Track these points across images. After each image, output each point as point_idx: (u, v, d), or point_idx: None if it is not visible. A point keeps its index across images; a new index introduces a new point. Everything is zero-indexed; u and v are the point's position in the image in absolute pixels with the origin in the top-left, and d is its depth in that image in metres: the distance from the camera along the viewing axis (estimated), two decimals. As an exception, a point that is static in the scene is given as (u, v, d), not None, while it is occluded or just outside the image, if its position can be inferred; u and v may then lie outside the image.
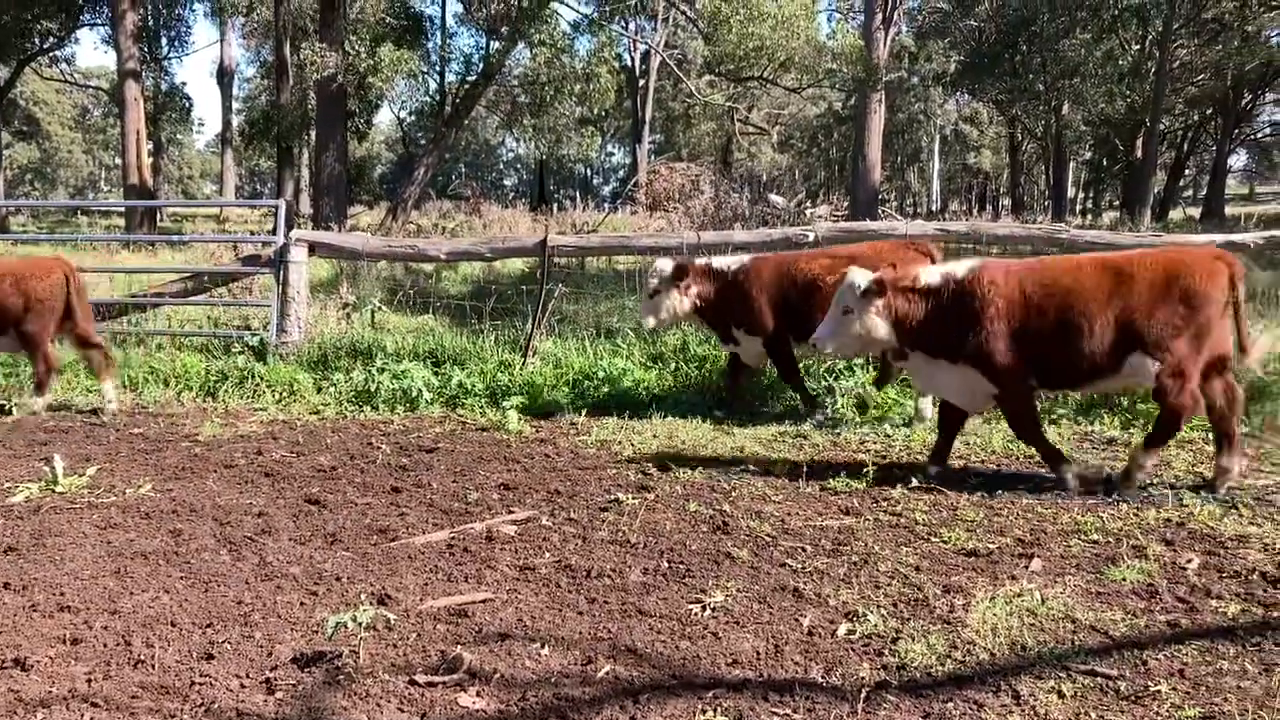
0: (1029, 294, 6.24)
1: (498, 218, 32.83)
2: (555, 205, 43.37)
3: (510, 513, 6.00)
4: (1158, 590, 4.63)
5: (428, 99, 37.24)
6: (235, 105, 58.17)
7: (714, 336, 9.16)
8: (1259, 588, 4.65)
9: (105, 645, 4.18)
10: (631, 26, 47.01)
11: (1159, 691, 3.67)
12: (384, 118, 60.83)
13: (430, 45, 34.74)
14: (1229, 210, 41.83)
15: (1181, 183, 55.76)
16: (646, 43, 50.13)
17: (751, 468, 6.93)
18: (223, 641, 4.18)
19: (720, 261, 8.91)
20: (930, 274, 6.58)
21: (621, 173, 74.70)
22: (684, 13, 34.13)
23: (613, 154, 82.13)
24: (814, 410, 8.48)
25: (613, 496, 6.26)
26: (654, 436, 7.93)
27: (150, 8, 47.21)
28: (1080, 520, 5.64)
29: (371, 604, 4.25)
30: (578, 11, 33.08)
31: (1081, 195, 61.91)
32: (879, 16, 33.22)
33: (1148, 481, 6.32)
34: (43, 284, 8.77)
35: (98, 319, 11.55)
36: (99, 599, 4.67)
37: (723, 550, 5.26)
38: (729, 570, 4.98)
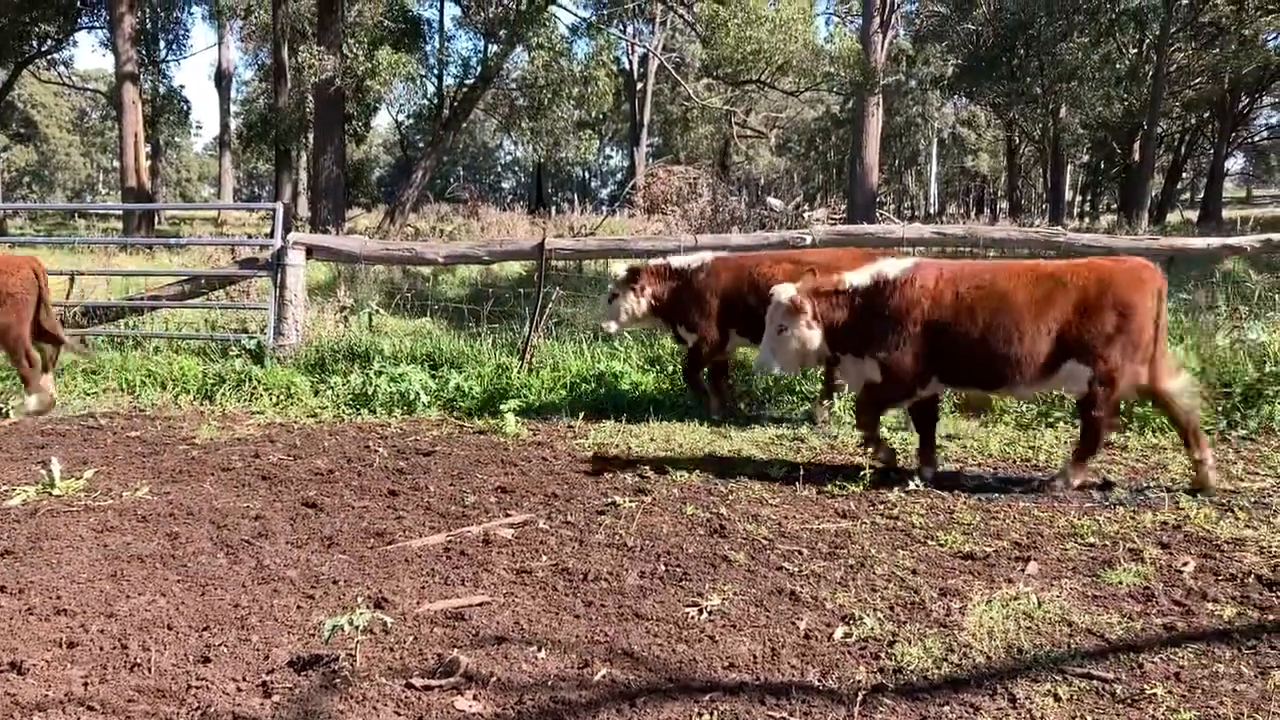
0: (961, 295, 6.33)
1: (495, 221, 32.85)
2: (553, 208, 43.42)
3: (507, 516, 6.00)
4: (1154, 593, 4.64)
5: (426, 102, 37.28)
6: (233, 108, 58.29)
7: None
8: (1255, 591, 4.66)
9: (102, 649, 4.17)
10: (629, 30, 47.14)
11: (1155, 695, 3.68)
12: (382, 121, 60.77)
13: (428, 48, 34.74)
14: (1226, 213, 41.86)
15: (1179, 186, 55.87)
16: (644, 46, 50.24)
17: (748, 471, 6.93)
18: (219, 645, 4.18)
19: (679, 261, 8.93)
20: (856, 276, 6.67)
21: (619, 176, 74.78)
22: (682, 16, 34.14)
23: (611, 157, 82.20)
24: (711, 405, 8.65)
25: (610, 500, 6.26)
26: (651, 439, 7.93)
27: (148, 11, 47.24)
28: (1077, 524, 5.65)
29: (368, 607, 4.25)
30: (576, 15, 33.22)
31: (1079, 198, 62.02)
32: (876, 20, 33.25)
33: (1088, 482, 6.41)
34: (13, 279, 8.84)
35: (96, 322, 11.60)
36: (96, 602, 4.67)
37: (720, 553, 5.26)
38: (726, 573, 4.99)
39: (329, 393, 9.50)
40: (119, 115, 33.47)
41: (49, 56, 48.46)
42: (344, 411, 9.12)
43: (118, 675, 3.95)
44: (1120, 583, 4.76)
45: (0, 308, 8.78)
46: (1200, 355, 8.70)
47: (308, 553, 5.37)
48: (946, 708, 3.64)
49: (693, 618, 4.45)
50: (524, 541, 5.53)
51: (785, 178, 65.99)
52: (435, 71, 35.43)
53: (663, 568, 5.09)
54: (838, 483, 6.48)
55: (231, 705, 3.70)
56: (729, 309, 8.52)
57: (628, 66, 54.59)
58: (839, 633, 4.27)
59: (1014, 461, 7.16)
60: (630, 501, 6.18)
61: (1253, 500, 6.08)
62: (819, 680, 3.86)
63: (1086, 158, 54.24)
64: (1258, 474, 6.70)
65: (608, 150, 77.76)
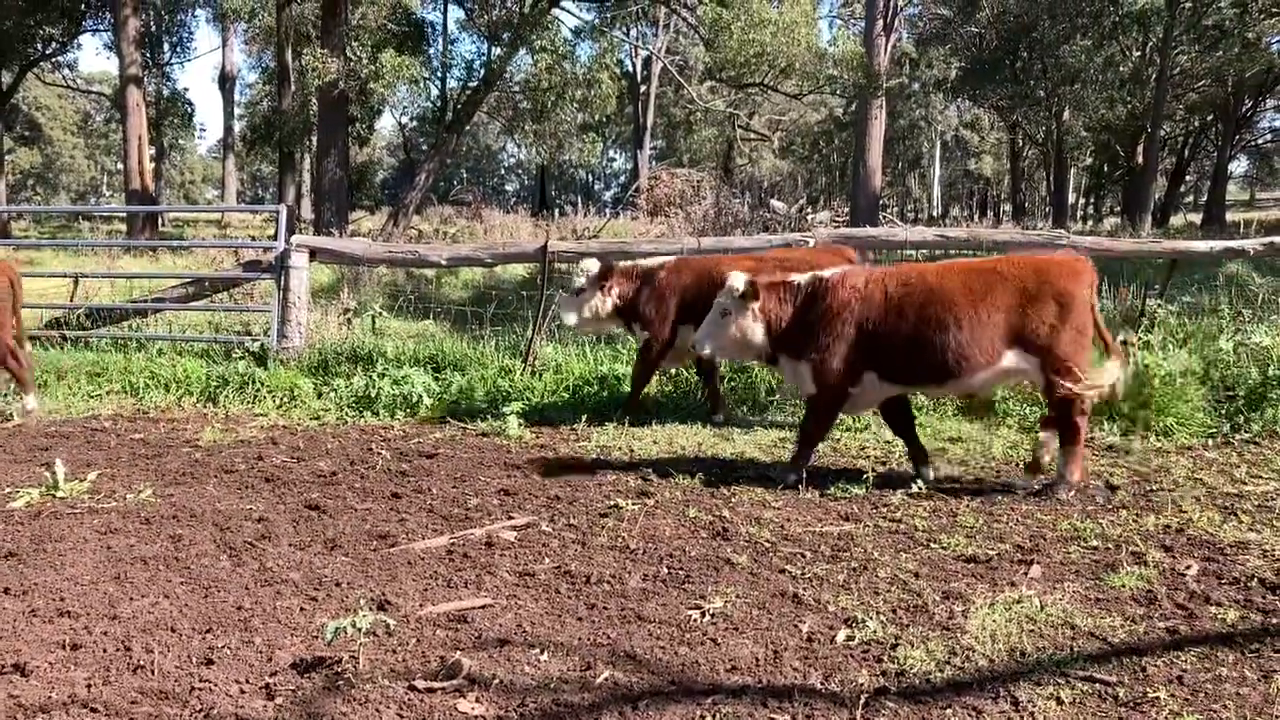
0: (891, 295, 6.38)
1: (499, 223, 32.86)
2: (556, 211, 43.45)
3: (510, 518, 6.00)
4: (1157, 597, 4.63)
5: (429, 105, 37.35)
6: (237, 111, 58.30)
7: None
8: (1258, 594, 4.65)
9: (105, 650, 4.18)
10: (633, 33, 47.12)
11: (1158, 698, 3.68)
12: (385, 123, 60.94)
13: (432, 51, 34.81)
14: (1230, 216, 41.91)
15: (1182, 188, 55.87)
16: (648, 49, 50.32)
17: (751, 474, 6.93)
18: (222, 647, 4.18)
19: (646, 262, 8.95)
20: (800, 277, 6.72)
21: (623, 178, 74.81)
22: (685, 19, 34.18)
23: (614, 160, 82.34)
24: (627, 415, 8.62)
25: (612, 502, 6.25)
26: (654, 442, 7.93)
27: (152, 14, 47.35)
28: (1080, 527, 5.65)
29: (371, 610, 4.25)
30: (579, 18, 33.15)
31: (1082, 201, 62.01)
32: (880, 23, 33.23)
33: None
34: None
35: (101, 324, 11.63)
36: (99, 604, 4.68)
37: (722, 556, 5.26)
38: (728, 576, 4.99)
39: (332, 395, 9.51)
40: (123, 118, 33.55)
41: (54, 59, 48.61)
42: (347, 414, 9.12)
43: (121, 677, 3.95)
44: (1123, 586, 4.76)
45: None
46: (1204, 358, 8.70)
47: (311, 555, 5.38)
48: (949, 710, 3.64)
49: (695, 620, 4.45)
50: (527, 544, 5.53)
51: (788, 180, 66.07)
52: (439, 74, 35.46)
53: (665, 570, 5.09)
54: (840, 485, 6.47)
55: (234, 707, 3.71)
56: (688, 308, 8.47)
57: (631, 69, 54.61)
58: (841, 635, 4.27)
59: (1017, 464, 7.15)
60: (633, 504, 6.19)
61: (1256, 504, 6.08)
62: (821, 683, 3.86)
63: (1090, 160, 54.21)
64: (1261, 477, 6.69)
65: (611, 153, 77.92)
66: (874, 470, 6.83)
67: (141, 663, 4.05)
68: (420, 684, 3.85)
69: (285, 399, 9.57)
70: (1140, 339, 8.67)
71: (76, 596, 4.77)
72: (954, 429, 8.08)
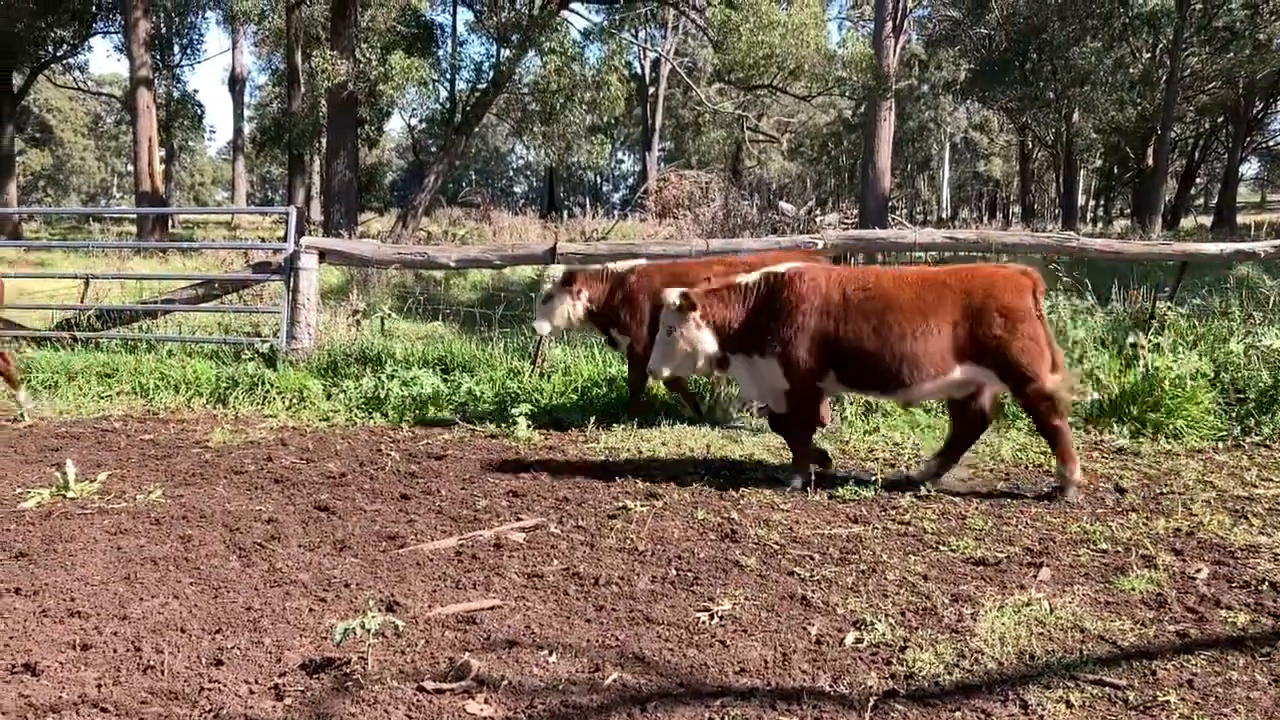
0: (850, 297, 6.42)
1: (508, 225, 32.95)
2: (565, 212, 43.52)
3: (519, 520, 6.00)
4: (1167, 600, 4.62)
5: (438, 107, 37.39)
6: (247, 113, 58.54)
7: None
8: (1269, 598, 4.63)
9: (115, 651, 4.19)
10: (642, 35, 47.08)
11: (1168, 702, 3.66)
12: (395, 125, 61.10)
13: (441, 53, 34.82)
14: (1240, 218, 41.76)
15: (1193, 191, 55.68)
16: (656, 51, 50.36)
17: (759, 476, 6.93)
18: (232, 648, 4.19)
19: (615, 266, 8.95)
20: (746, 276, 6.74)
21: (631, 180, 74.85)
22: (694, 21, 34.15)
23: (622, 161, 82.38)
24: (633, 416, 8.64)
25: (621, 504, 6.25)
26: (663, 444, 7.93)
27: (163, 16, 47.50)
28: (1089, 530, 5.63)
29: (380, 611, 4.25)
30: (588, 20, 33.26)
31: (1092, 203, 61.87)
32: (889, 24, 33.19)
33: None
34: None
35: (111, 325, 11.68)
36: (109, 604, 4.69)
37: (731, 558, 5.26)
38: (737, 578, 4.98)
39: (341, 396, 9.53)
40: (133, 119, 33.65)
41: (64, 61, 48.71)
42: (356, 415, 9.14)
43: (131, 677, 3.96)
44: (1133, 589, 4.75)
45: None
46: (1214, 361, 8.67)
47: (320, 556, 5.39)
48: (958, 713, 3.63)
49: (704, 622, 4.44)
50: (535, 545, 5.54)
51: (797, 182, 66.04)
52: (448, 76, 35.56)
53: (674, 572, 5.09)
54: (849, 488, 6.47)
55: (244, 708, 3.72)
56: (656, 312, 8.49)
57: (640, 71, 54.66)
58: (850, 638, 4.26)
59: (1026, 467, 7.14)
60: (641, 506, 6.19)
61: (1267, 507, 6.06)
62: (830, 685, 3.85)
63: (1099, 162, 54.08)
64: (1272, 480, 6.67)
65: (619, 155, 77.95)
66: (882, 473, 6.82)
67: (151, 663, 4.06)
68: (429, 685, 3.86)
69: (294, 400, 9.60)
70: (1150, 341, 8.64)
71: (87, 597, 4.79)
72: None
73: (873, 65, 29.44)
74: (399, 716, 3.66)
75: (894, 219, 36.03)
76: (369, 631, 4.00)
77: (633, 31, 39.18)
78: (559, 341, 10.64)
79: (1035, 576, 4.95)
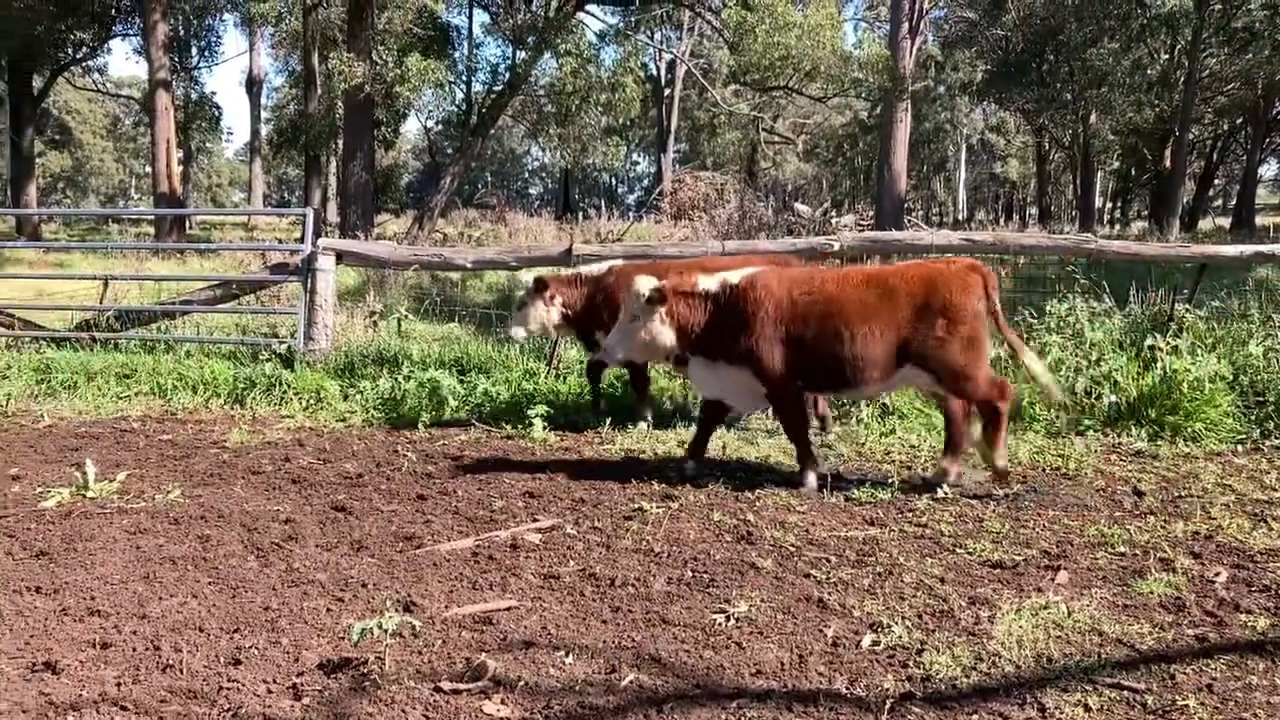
0: (797, 300, 6.50)
1: (523, 226, 32.99)
2: (580, 214, 43.57)
3: (535, 521, 6.01)
4: (1185, 604, 4.60)
5: (454, 108, 37.41)
6: (264, 114, 58.80)
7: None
8: (1289, 602, 4.60)
9: (134, 649, 4.22)
10: (657, 36, 47.13)
11: (1187, 706, 3.65)
12: (411, 127, 61.14)
13: (457, 55, 34.85)
14: (1259, 220, 41.54)
15: (1211, 192, 55.34)
16: (672, 52, 50.36)
17: (775, 478, 6.92)
18: (250, 647, 4.22)
19: (589, 269, 8.96)
20: (709, 280, 6.83)
21: (646, 182, 74.88)
22: (709, 23, 34.15)
23: (638, 163, 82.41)
24: (642, 414, 8.73)
25: (637, 505, 6.26)
26: (679, 445, 7.92)
27: (181, 18, 47.77)
28: (1107, 533, 5.61)
29: (397, 611, 4.27)
30: (604, 22, 33.20)
31: (1109, 205, 61.57)
32: (905, 26, 33.12)
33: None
34: None
35: (130, 326, 11.75)
36: (128, 603, 4.72)
37: (747, 560, 5.26)
38: (753, 580, 4.98)
39: (358, 397, 9.57)
40: (151, 121, 33.85)
41: (84, 64, 49.06)
42: (373, 416, 9.17)
43: (150, 676, 3.99)
44: (1151, 592, 4.73)
45: None
46: (1233, 363, 8.62)
47: (337, 556, 5.41)
48: (975, 717, 3.62)
49: (720, 624, 4.44)
50: (551, 546, 5.54)
51: (813, 184, 65.95)
52: (464, 78, 35.56)
53: (690, 574, 5.09)
54: (865, 490, 6.46)
55: (262, 707, 3.74)
56: None
57: (655, 73, 54.66)
58: (867, 640, 4.25)
59: (1043, 469, 7.11)
60: (657, 507, 6.19)
61: (1287, 510, 6.01)
62: (847, 688, 3.85)
63: (1117, 164, 53.79)
64: (1292, 484, 6.63)
65: (635, 156, 77.98)
66: (899, 475, 6.81)
67: (170, 662, 4.08)
68: (446, 685, 3.87)
69: (312, 401, 9.63)
70: (1169, 344, 8.60)
71: (106, 596, 4.82)
72: (979, 433, 8.03)
73: (889, 66, 29.38)
74: (416, 716, 3.68)
75: (910, 221, 35.92)
76: (386, 632, 4.02)
77: (648, 33, 39.23)
78: (573, 343, 10.63)
79: (1053, 579, 4.93)
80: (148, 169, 47.03)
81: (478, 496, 6.56)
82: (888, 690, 3.81)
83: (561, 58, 29.45)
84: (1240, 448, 7.62)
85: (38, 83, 42.75)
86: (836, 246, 10.32)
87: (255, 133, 57.44)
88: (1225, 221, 46.59)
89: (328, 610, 4.64)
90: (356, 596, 4.81)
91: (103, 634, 4.36)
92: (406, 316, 11.43)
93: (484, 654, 4.10)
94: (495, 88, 32.05)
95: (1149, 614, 4.50)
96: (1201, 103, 40.31)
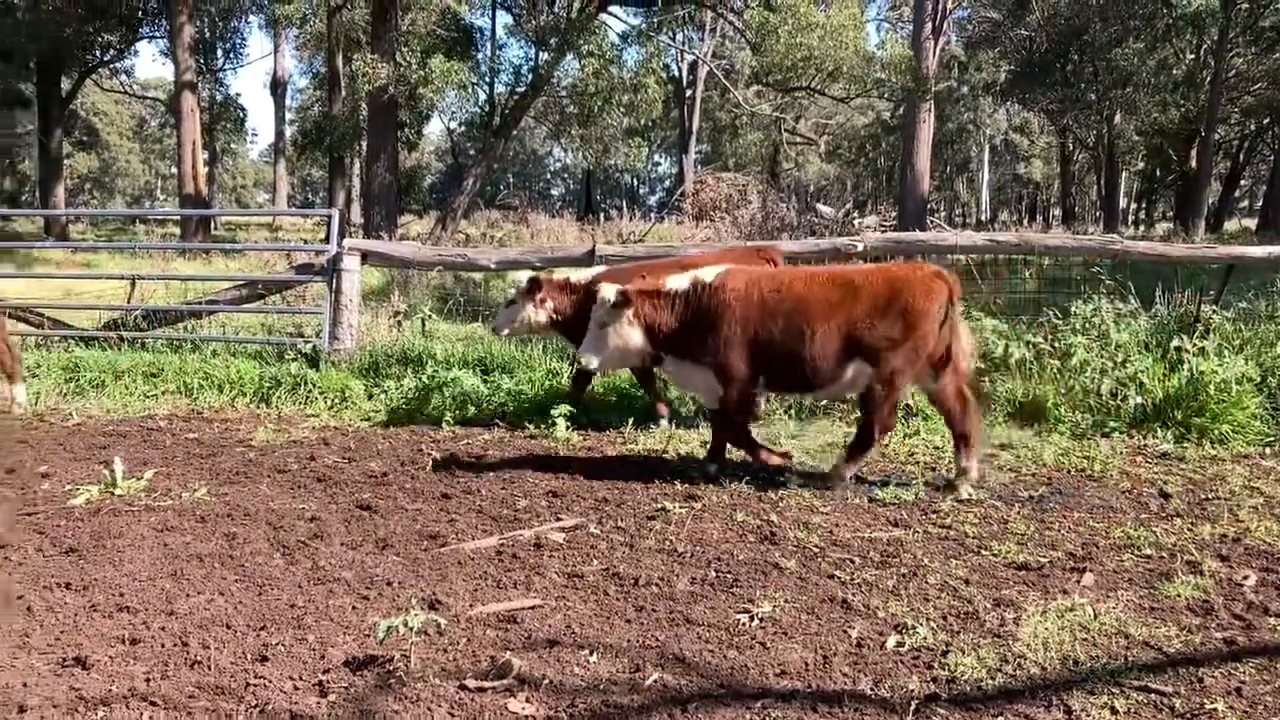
0: (765, 300, 6.53)
1: (545, 227, 33.04)
2: (602, 215, 43.59)
3: (559, 520, 6.03)
4: (1213, 607, 4.56)
5: (477, 110, 37.46)
6: (288, 116, 59.04)
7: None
8: (1318, 606, 4.57)
9: (163, 646, 4.26)
10: (679, 37, 47.14)
11: (1215, 709, 3.62)
12: (434, 128, 61.42)
13: (480, 57, 34.94)
14: (1287, 221, 41.05)
15: (1237, 193, 54.87)
16: (694, 53, 50.29)
17: (799, 478, 6.91)
18: (276, 644, 4.25)
19: (577, 275, 8.94)
20: (677, 280, 6.87)
21: (668, 182, 74.92)
22: (732, 23, 34.13)
23: (659, 164, 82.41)
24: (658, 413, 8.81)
25: (660, 505, 6.26)
26: (701, 445, 7.91)
27: (207, 20, 48.13)
28: (1133, 535, 5.58)
29: (422, 609, 4.29)
30: (626, 23, 33.21)
31: (1134, 206, 61.15)
32: (928, 26, 32.98)
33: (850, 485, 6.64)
34: None
35: (157, 325, 11.85)
36: (157, 600, 4.77)
37: (770, 560, 5.26)
38: (777, 580, 4.98)
39: (383, 396, 9.61)
40: (177, 123, 34.13)
41: (111, 66, 49.55)
42: (398, 415, 9.20)
43: (178, 672, 4.02)
44: (1178, 595, 4.70)
45: None
46: (1260, 365, 8.55)
47: (362, 554, 5.44)
48: (1001, 718, 3.61)
49: (744, 624, 4.45)
50: (575, 546, 5.56)
51: (835, 184, 65.67)
52: (487, 79, 35.63)
53: (713, 574, 5.09)
54: (889, 491, 6.44)
55: (289, 704, 3.76)
56: None
57: (677, 74, 54.63)
58: (891, 641, 4.25)
59: (1068, 471, 7.07)
60: (680, 507, 6.19)
61: (1316, 513, 5.96)
62: (871, 689, 3.84)
63: (1142, 165, 53.44)
64: (1321, 487, 6.56)
65: (656, 157, 78.00)
66: (923, 476, 6.79)
67: (198, 658, 4.12)
68: (471, 683, 3.89)
69: (337, 400, 9.69)
70: (1195, 345, 8.53)
71: (135, 592, 4.86)
72: (1003, 435, 8.00)
73: (912, 67, 29.28)
74: (441, 714, 3.69)
75: (933, 221, 35.72)
76: (411, 630, 4.04)
77: (670, 34, 39.25)
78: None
79: (1079, 581, 4.90)
80: (173, 170, 47.43)
81: (501, 495, 6.58)
82: (913, 691, 3.81)
83: (584, 59, 29.49)
84: (1268, 450, 7.56)
85: (66, 85, 43.19)
86: (860, 247, 10.30)
87: (280, 134, 57.75)
88: (1252, 223, 46.17)
89: (353, 608, 4.67)
90: (382, 594, 4.84)
91: (131, 630, 4.41)
92: (430, 316, 11.47)
93: (509, 652, 4.11)
94: (518, 89, 32.12)
95: (1176, 617, 4.47)
96: (1228, 103, 39.95)
